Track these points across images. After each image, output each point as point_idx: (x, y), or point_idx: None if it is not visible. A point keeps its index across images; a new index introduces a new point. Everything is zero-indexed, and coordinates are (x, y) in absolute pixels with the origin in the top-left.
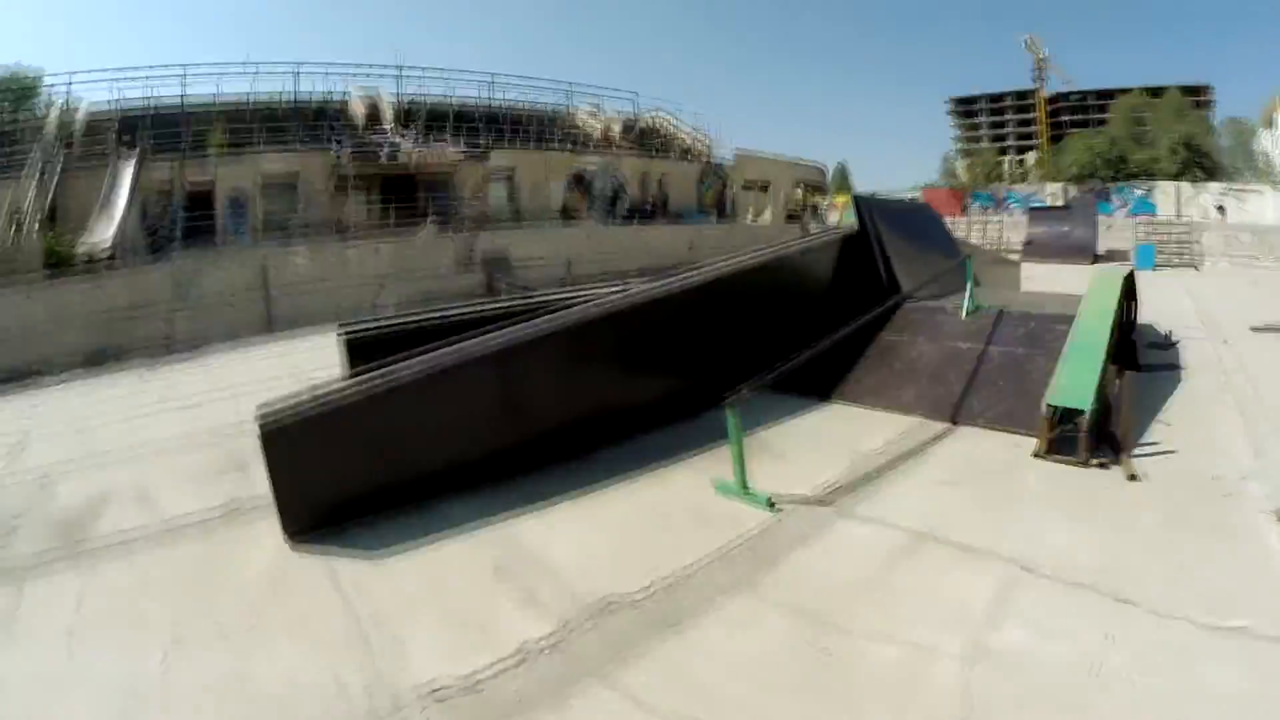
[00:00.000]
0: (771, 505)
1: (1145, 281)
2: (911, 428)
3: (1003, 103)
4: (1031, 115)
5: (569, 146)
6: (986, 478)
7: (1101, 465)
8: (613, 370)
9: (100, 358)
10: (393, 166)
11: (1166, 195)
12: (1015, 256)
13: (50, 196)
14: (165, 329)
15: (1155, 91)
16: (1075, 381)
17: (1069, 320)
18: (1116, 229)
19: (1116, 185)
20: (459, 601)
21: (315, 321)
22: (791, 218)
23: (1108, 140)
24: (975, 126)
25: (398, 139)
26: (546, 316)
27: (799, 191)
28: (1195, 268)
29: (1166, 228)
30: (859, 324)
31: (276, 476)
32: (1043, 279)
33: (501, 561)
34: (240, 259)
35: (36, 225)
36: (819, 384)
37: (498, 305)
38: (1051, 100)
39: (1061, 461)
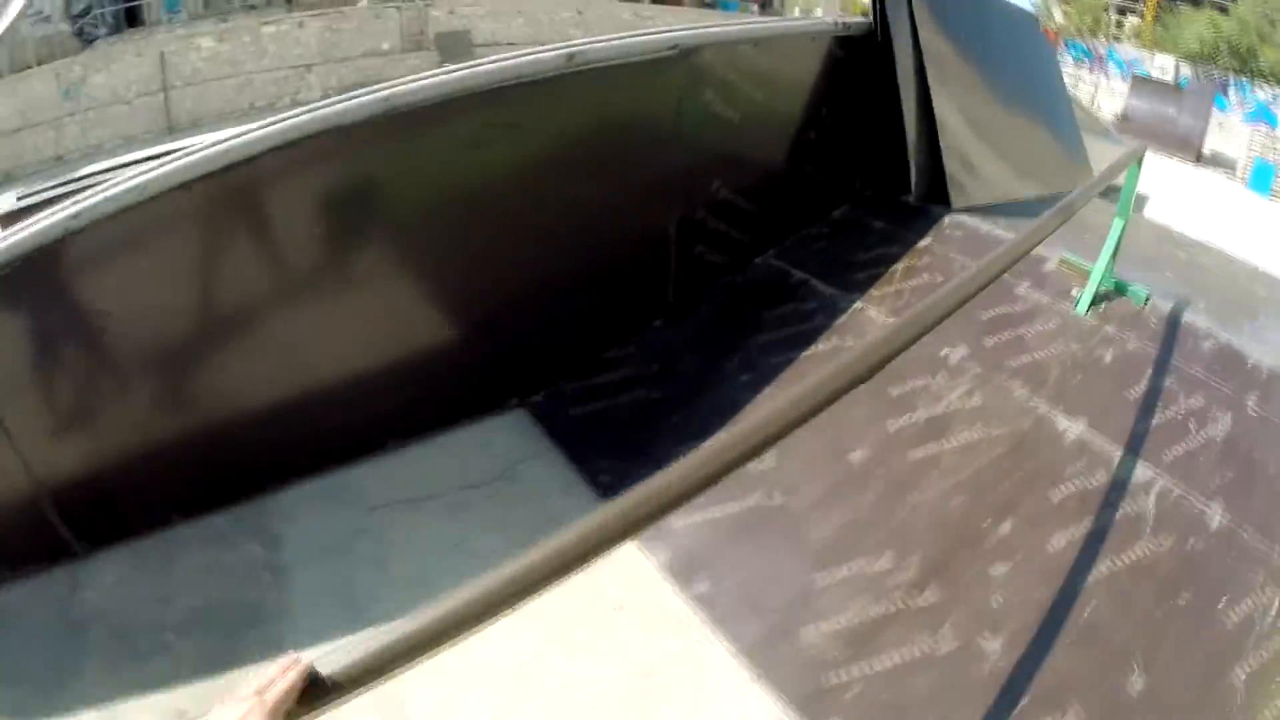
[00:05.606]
0: None
1: None
2: None
3: None
4: None
5: None
6: None
7: None
8: None
9: None
10: None
11: None
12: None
13: None
14: (55, 141)
15: None
16: None
17: None
18: (1226, 129)
19: (1238, 80)
20: None
21: (225, 120)
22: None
23: (1237, 23)
24: None
25: None
26: None
27: None
28: None
29: None
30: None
31: None
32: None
33: None
34: (137, 48)
35: None
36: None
37: None
38: None
39: None
